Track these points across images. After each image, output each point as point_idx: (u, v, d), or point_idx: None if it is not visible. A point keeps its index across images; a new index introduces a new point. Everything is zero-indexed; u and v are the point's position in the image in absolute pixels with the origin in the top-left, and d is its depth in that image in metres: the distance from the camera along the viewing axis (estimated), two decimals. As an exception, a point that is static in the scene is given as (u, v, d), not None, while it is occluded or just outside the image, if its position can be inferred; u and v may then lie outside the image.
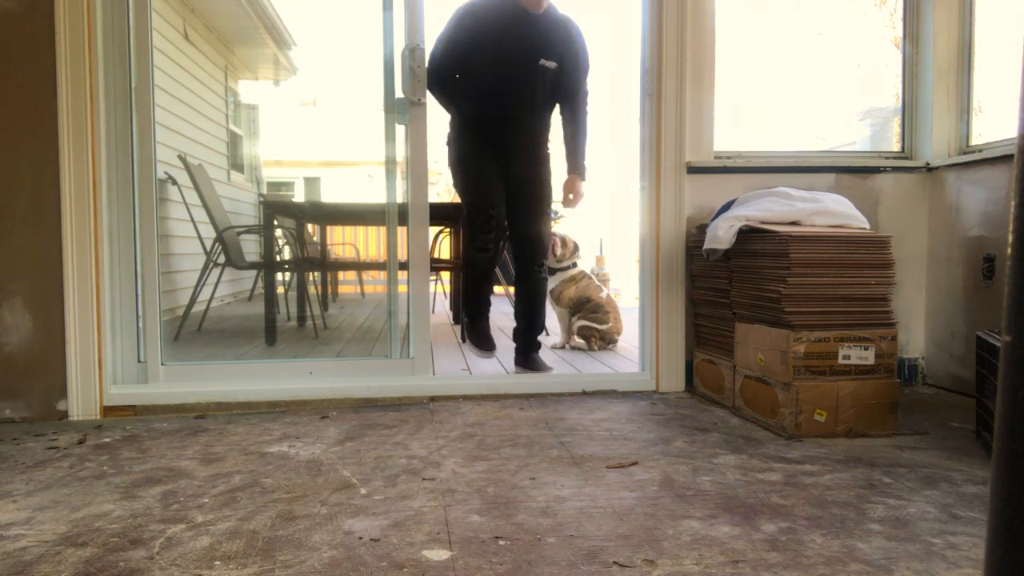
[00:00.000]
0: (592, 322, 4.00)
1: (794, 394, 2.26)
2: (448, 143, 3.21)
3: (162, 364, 2.76)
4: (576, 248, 4.21)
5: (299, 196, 15.21)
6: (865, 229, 2.53)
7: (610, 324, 4.00)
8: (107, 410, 2.62)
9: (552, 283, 4.14)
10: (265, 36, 7.88)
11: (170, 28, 5.76)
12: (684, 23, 2.89)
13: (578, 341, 4.03)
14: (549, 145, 3.24)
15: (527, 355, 3.26)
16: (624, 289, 8.42)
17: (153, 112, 2.75)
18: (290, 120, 15.34)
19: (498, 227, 3.16)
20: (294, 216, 5.36)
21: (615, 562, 1.37)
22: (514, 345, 3.29)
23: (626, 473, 1.91)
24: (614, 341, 4.06)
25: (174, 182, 4.94)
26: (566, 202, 3.23)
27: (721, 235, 2.58)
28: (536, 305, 3.28)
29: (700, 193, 2.98)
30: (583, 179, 3.22)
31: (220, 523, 1.58)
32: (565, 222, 9.04)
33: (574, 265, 4.17)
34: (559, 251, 4.13)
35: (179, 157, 4.63)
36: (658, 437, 2.27)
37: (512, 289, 3.65)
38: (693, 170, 2.96)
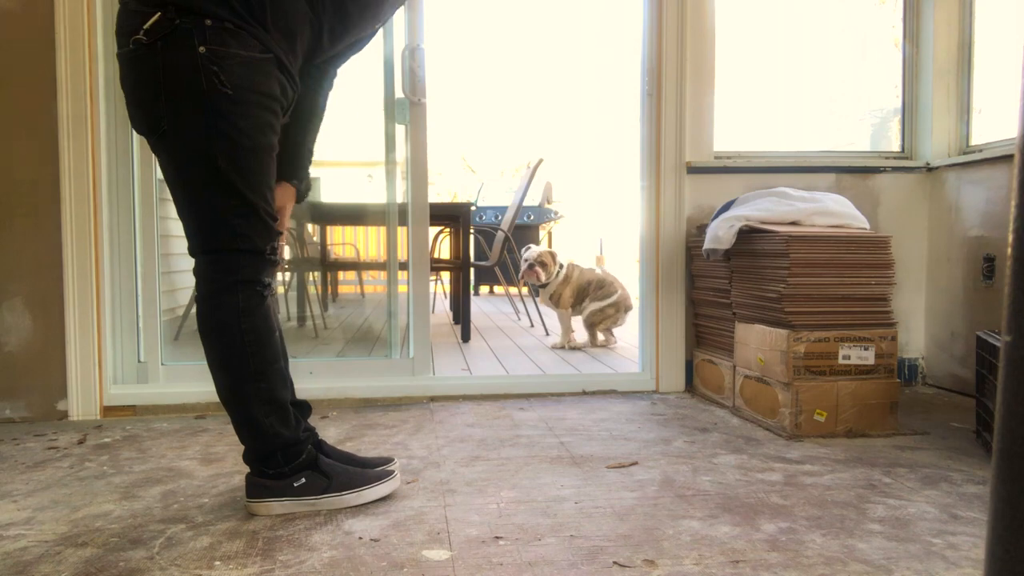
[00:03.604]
0: (601, 300, 3.98)
1: (794, 394, 2.26)
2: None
3: (162, 364, 2.76)
4: (555, 257, 4.18)
5: (299, 196, 15.18)
6: (865, 229, 2.53)
7: (619, 292, 3.99)
8: (107, 410, 2.63)
9: (546, 293, 4.16)
10: (265, 36, 7.85)
11: (170, 28, 5.75)
12: (684, 23, 2.89)
13: (578, 340, 4.02)
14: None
15: (249, 474, 1.65)
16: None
17: (153, 112, 2.74)
18: (290, 120, 15.30)
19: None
20: (294, 216, 5.35)
21: (615, 562, 1.37)
22: (513, 344, 3.15)
23: (626, 473, 1.91)
24: (630, 308, 4.03)
25: (174, 182, 4.92)
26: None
27: (721, 235, 2.58)
28: (212, 371, 1.58)
29: (700, 193, 2.98)
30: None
31: (220, 523, 1.58)
32: (564, 223, 9.03)
33: (561, 267, 4.16)
34: (543, 276, 4.10)
35: (179, 157, 4.62)
36: (658, 437, 2.27)
37: (512, 289, 3.52)
38: (693, 170, 2.96)
